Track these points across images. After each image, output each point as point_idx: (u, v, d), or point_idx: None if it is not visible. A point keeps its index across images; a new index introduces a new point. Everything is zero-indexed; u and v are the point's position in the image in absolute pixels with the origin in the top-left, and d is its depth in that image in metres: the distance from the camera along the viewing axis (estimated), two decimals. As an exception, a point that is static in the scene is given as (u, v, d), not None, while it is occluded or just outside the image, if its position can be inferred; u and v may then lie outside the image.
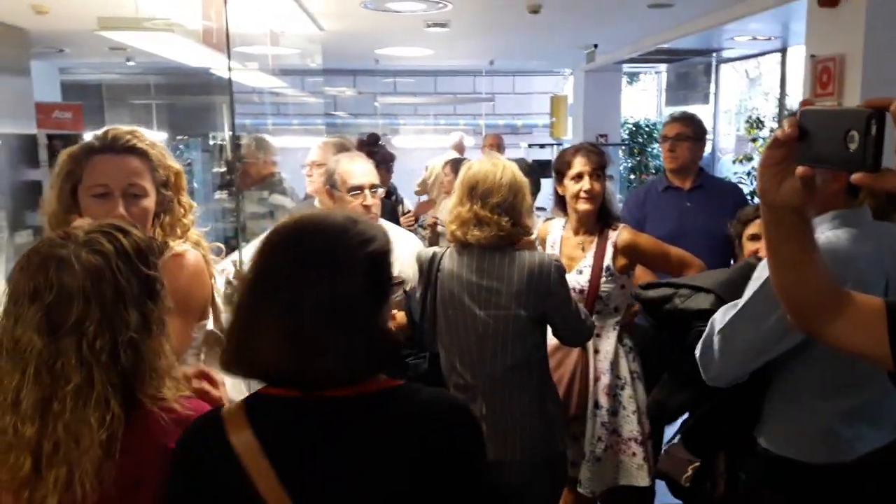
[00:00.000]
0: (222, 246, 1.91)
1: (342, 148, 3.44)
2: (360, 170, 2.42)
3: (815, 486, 1.71)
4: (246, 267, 1.16)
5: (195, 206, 1.79)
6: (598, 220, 2.64)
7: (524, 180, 2.20)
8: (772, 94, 9.23)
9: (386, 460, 1.07)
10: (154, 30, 3.00)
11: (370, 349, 1.09)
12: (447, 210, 2.26)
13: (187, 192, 1.77)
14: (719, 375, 1.71)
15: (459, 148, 6.73)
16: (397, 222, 3.43)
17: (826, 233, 1.65)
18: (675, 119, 3.44)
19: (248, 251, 2.74)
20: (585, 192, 2.54)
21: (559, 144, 8.32)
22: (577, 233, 2.68)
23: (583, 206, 2.56)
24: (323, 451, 1.07)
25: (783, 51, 6.47)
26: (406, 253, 2.46)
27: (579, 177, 2.57)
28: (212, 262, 1.78)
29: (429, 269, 2.27)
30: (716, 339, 1.67)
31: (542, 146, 8.10)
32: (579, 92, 8.28)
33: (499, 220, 2.11)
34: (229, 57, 2.91)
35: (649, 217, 3.35)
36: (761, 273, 1.62)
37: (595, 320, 2.54)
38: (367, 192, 2.38)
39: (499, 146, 5.38)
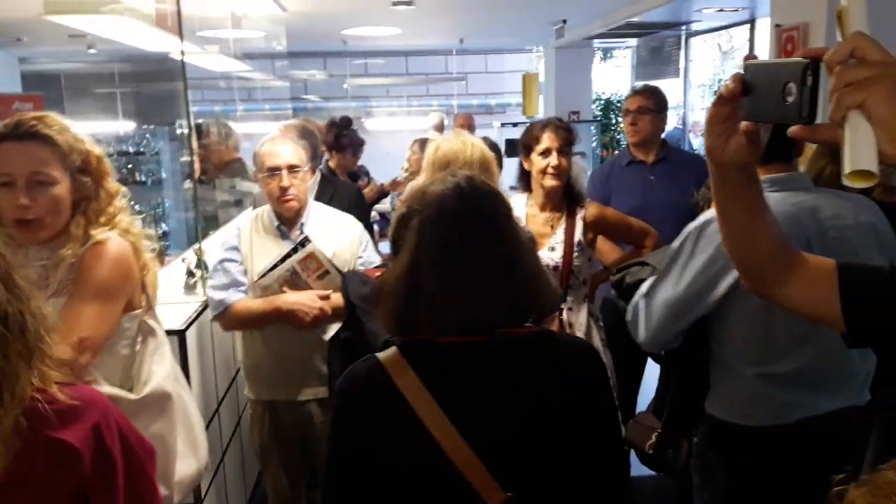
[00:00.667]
0: (152, 232, 1.85)
1: (304, 131, 3.39)
2: (278, 150, 2.36)
3: (754, 448, 1.74)
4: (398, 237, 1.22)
5: (123, 190, 1.73)
6: (564, 197, 2.63)
7: (492, 157, 2.19)
8: (743, 66, 9.22)
9: (538, 395, 1.16)
10: (103, 13, 2.91)
11: (531, 296, 1.21)
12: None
13: (135, 180, 1.71)
14: (648, 339, 1.76)
15: (440, 128, 6.67)
16: (362, 205, 3.39)
17: None
18: (636, 92, 3.42)
19: (216, 238, 2.70)
20: (553, 167, 2.53)
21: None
22: (543, 209, 2.65)
23: (549, 181, 2.55)
24: (481, 386, 1.15)
25: (751, 22, 6.47)
26: (344, 236, 2.44)
27: (547, 152, 2.54)
28: (143, 250, 1.73)
29: None
30: (641, 302, 1.74)
31: (514, 125, 8.05)
32: (550, 69, 8.24)
33: None
34: (181, 39, 2.85)
35: (614, 192, 3.33)
36: (681, 238, 1.71)
37: (568, 294, 2.57)
38: (284, 172, 2.32)
39: (469, 126, 5.33)
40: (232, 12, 4.60)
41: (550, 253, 2.58)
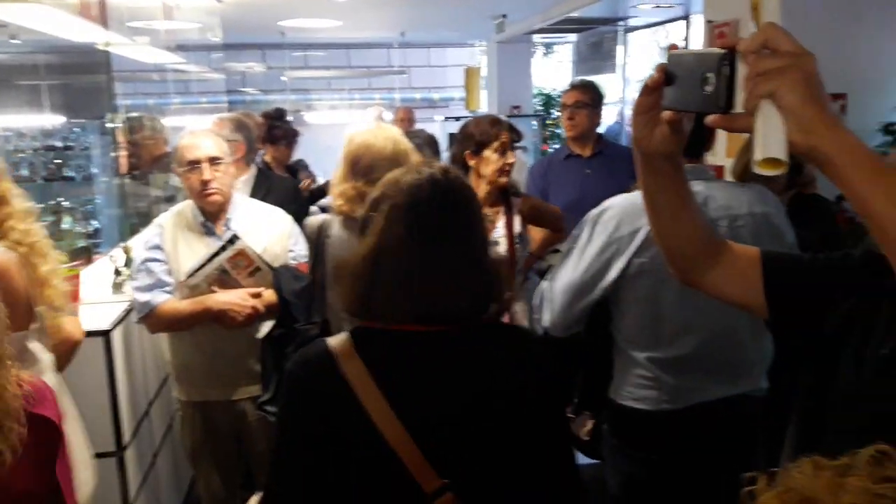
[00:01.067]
0: (74, 230, 1.75)
1: (240, 123, 3.31)
2: (197, 143, 2.27)
3: (650, 433, 1.81)
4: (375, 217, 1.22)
5: (13, 199, 1.63)
6: (500, 192, 2.66)
7: (407, 150, 2.15)
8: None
9: (487, 386, 1.17)
10: (24, 1, 2.77)
11: (492, 289, 1.22)
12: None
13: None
14: (552, 323, 1.81)
15: (395, 122, 6.60)
16: (300, 200, 3.33)
17: (633, 193, 1.75)
18: (573, 87, 3.46)
19: (143, 236, 2.61)
20: (509, 165, 2.57)
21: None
22: (483, 205, 2.66)
23: (505, 178, 2.59)
24: (429, 375, 1.16)
25: (686, 18, 6.61)
26: (274, 230, 2.38)
27: (503, 150, 2.56)
28: (44, 261, 1.62)
29: (317, 237, 2.21)
30: (545, 286, 1.80)
31: (457, 119, 8.06)
32: (492, 64, 8.27)
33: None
34: (105, 27, 2.74)
35: (552, 185, 3.36)
36: (581, 224, 1.78)
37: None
38: (204, 165, 2.25)
39: (409, 120, 5.29)
40: (164, 2, 4.46)
41: (495, 248, 2.62)
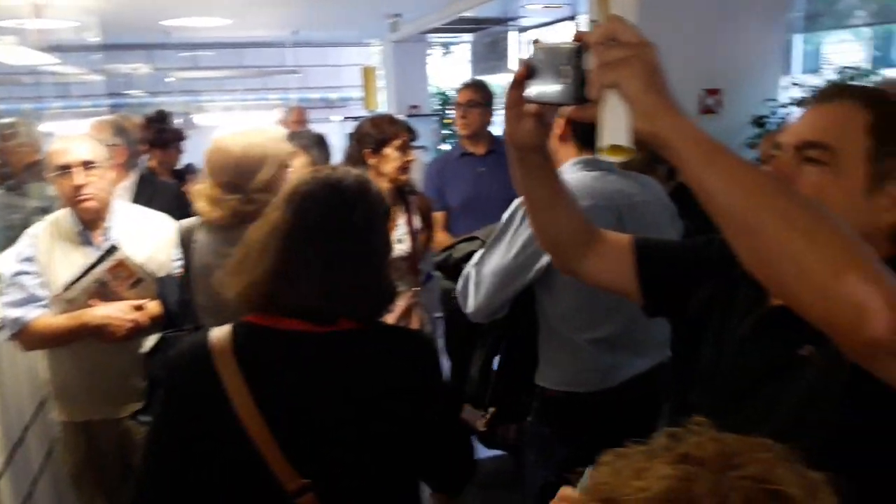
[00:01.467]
0: None
1: (119, 127, 3.15)
2: (68, 147, 2.15)
3: (586, 414, 1.84)
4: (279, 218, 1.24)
5: None
6: (398, 190, 2.70)
7: (264, 155, 2.01)
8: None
9: (360, 387, 1.19)
10: None
11: (382, 292, 1.25)
12: None
13: None
14: (476, 308, 1.81)
15: (288, 123, 6.39)
16: (185, 205, 3.19)
17: (566, 175, 1.80)
18: (465, 86, 3.49)
19: (15, 248, 2.43)
20: (409, 162, 2.63)
21: (373, 116, 8.22)
22: None
23: (405, 175, 2.64)
24: (302, 375, 1.18)
25: (574, 18, 6.80)
26: (158, 238, 2.27)
27: (402, 148, 2.60)
28: None
29: (185, 241, 2.13)
30: (472, 271, 1.80)
31: (355, 119, 7.98)
32: (389, 63, 8.24)
33: (230, 199, 1.97)
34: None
35: (448, 183, 3.39)
36: (511, 209, 1.79)
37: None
38: (77, 169, 2.13)
39: (302, 121, 5.18)
40: (34, 1, 4.18)
41: (399, 245, 2.65)
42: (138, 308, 2.14)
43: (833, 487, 0.55)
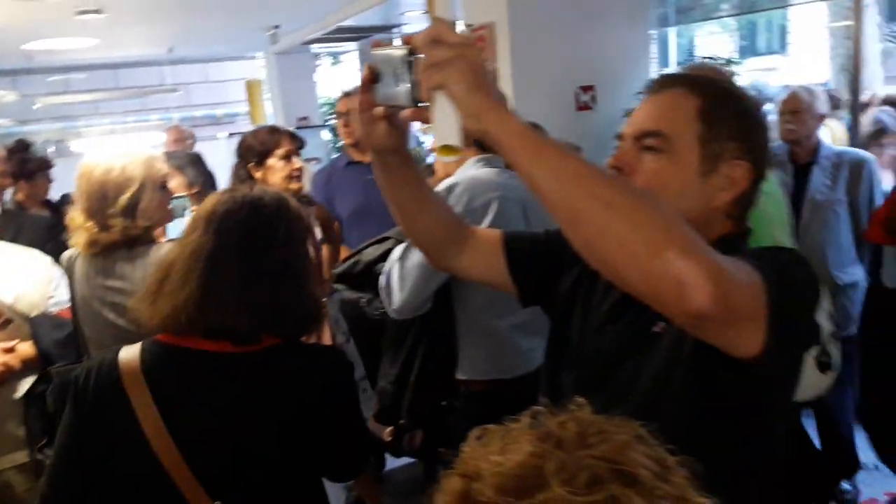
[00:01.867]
0: None
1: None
2: None
3: (509, 402, 1.84)
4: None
5: None
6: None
7: (127, 178, 1.93)
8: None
9: (273, 410, 1.18)
10: None
11: (306, 310, 1.25)
12: None
13: None
14: (402, 304, 1.81)
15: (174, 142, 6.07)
16: (58, 237, 3.02)
17: (469, 171, 1.89)
18: (346, 94, 3.46)
19: None
20: (297, 170, 2.55)
21: (262, 131, 8.06)
22: None
23: (296, 184, 2.56)
24: (210, 395, 1.17)
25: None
26: (29, 275, 2.12)
27: (288, 157, 2.53)
28: None
29: (68, 272, 2.04)
30: (395, 266, 1.79)
31: (242, 134, 7.80)
32: (273, 75, 8.10)
33: (89, 225, 1.91)
34: None
35: (337, 193, 3.35)
36: None
37: None
38: None
39: (182, 140, 4.98)
40: None
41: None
42: (8, 350, 2.01)
43: (687, 469, 0.57)
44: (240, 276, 1.19)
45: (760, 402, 0.91)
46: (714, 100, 0.99)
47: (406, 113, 0.91)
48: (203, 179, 2.75)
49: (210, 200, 1.29)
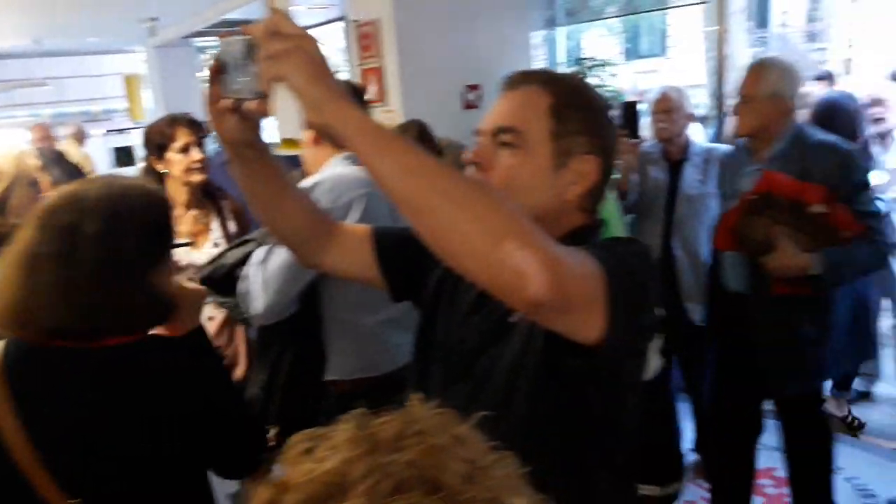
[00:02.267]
0: None
1: None
2: None
3: (379, 400, 1.83)
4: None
5: None
6: (204, 193, 2.55)
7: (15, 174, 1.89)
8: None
9: (131, 407, 1.14)
10: None
11: (142, 305, 1.18)
12: None
13: None
14: (266, 308, 1.75)
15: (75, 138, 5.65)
16: None
17: (337, 168, 1.84)
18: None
19: None
20: (198, 161, 2.42)
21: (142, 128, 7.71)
22: (189, 207, 2.52)
23: (197, 176, 2.44)
24: (65, 393, 1.14)
25: (343, 19, 6.80)
26: None
27: (186, 148, 2.40)
28: None
29: None
30: (256, 270, 1.74)
31: (120, 131, 7.41)
32: (154, 70, 7.74)
33: None
34: None
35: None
36: None
37: None
38: None
39: (47, 138, 4.66)
40: None
41: (216, 249, 2.46)
42: None
43: (514, 468, 0.55)
44: (58, 276, 1.14)
45: (606, 389, 0.93)
46: (564, 96, 1.00)
47: (250, 105, 0.88)
48: (67, 178, 2.58)
49: (50, 197, 1.24)
